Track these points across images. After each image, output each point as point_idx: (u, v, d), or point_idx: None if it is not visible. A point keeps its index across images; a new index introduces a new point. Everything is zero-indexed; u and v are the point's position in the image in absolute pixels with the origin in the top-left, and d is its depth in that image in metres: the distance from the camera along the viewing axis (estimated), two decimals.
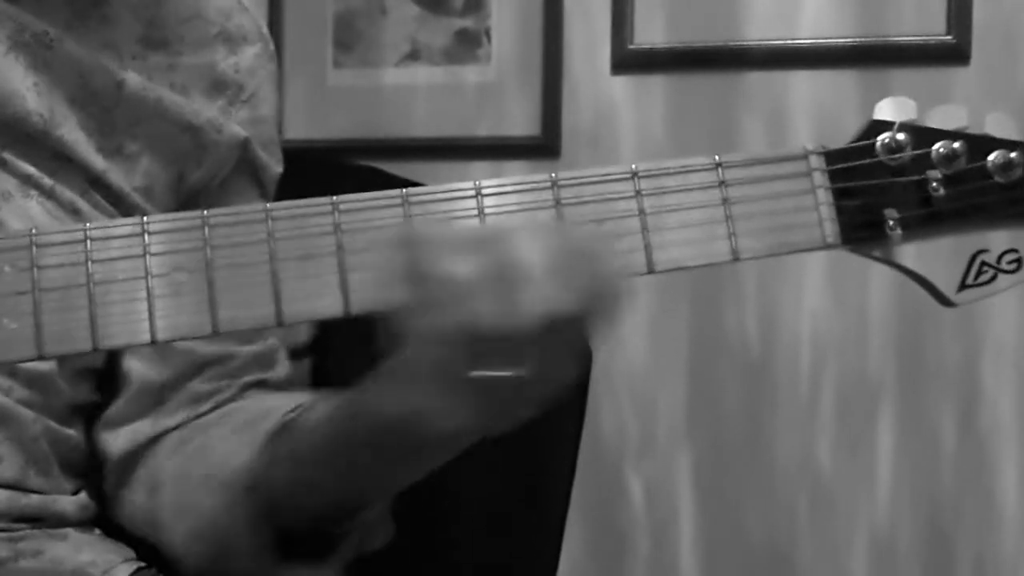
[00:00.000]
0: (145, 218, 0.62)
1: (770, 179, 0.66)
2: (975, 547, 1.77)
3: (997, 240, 0.66)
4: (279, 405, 0.80)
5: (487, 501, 1.15)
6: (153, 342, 0.61)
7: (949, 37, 1.76)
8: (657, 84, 1.86)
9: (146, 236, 0.62)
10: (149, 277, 0.61)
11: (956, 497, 1.78)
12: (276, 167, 0.94)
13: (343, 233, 0.63)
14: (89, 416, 0.88)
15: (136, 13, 0.85)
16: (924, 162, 0.66)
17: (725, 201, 0.65)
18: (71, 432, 0.85)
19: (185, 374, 0.86)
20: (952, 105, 0.67)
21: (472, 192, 0.64)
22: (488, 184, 0.64)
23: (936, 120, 0.67)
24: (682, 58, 1.84)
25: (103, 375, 0.87)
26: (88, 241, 0.62)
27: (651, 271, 0.65)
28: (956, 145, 0.65)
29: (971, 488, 1.77)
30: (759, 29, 1.82)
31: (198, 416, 0.87)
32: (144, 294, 0.61)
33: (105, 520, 0.88)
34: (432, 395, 0.61)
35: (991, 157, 0.66)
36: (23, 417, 0.81)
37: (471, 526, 1.14)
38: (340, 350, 0.94)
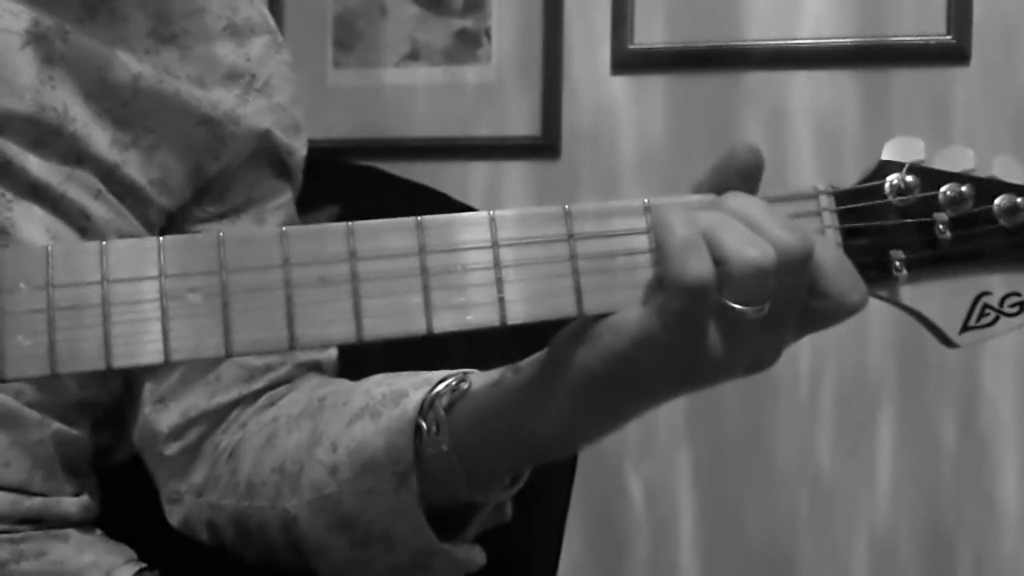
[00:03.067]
0: (161, 238, 0.62)
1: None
2: (975, 547, 1.77)
3: (1000, 283, 0.68)
4: (396, 385, 0.78)
5: None
6: (167, 362, 0.62)
7: (949, 37, 1.76)
8: (657, 84, 1.86)
9: (162, 256, 0.62)
10: (164, 298, 0.61)
11: (956, 497, 1.78)
12: (301, 150, 0.95)
13: (358, 260, 0.63)
14: (95, 415, 0.88)
15: (144, 7, 0.86)
16: (931, 204, 0.67)
17: None
18: (77, 433, 0.85)
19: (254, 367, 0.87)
20: (960, 147, 0.68)
21: (486, 221, 0.65)
22: (502, 214, 0.65)
23: (944, 161, 0.68)
24: (682, 58, 1.84)
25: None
26: (104, 259, 0.61)
27: None
28: (963, 188, 0.66)
29: (971, 488, 1.77)
30: (759, 29, 1.82)
31: (253, 394, 0.87)
32: (159, 314, 0.61)
33: (106, 520, 0.88)
34: (686, 331, 0.63)
35: (998, 201, 0.67)
36: (31, 420, 0.81)
37: None
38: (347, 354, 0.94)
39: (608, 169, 1.87)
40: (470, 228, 0.64)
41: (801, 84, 1.81)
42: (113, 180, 0.83)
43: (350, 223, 0.63)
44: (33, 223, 0.80)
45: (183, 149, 0.86)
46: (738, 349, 0.64)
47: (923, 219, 0.66)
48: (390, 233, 0.63)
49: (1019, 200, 0.66)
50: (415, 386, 0.76)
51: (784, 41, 1.81)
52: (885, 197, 0.67)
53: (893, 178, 0.67)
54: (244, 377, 0.87)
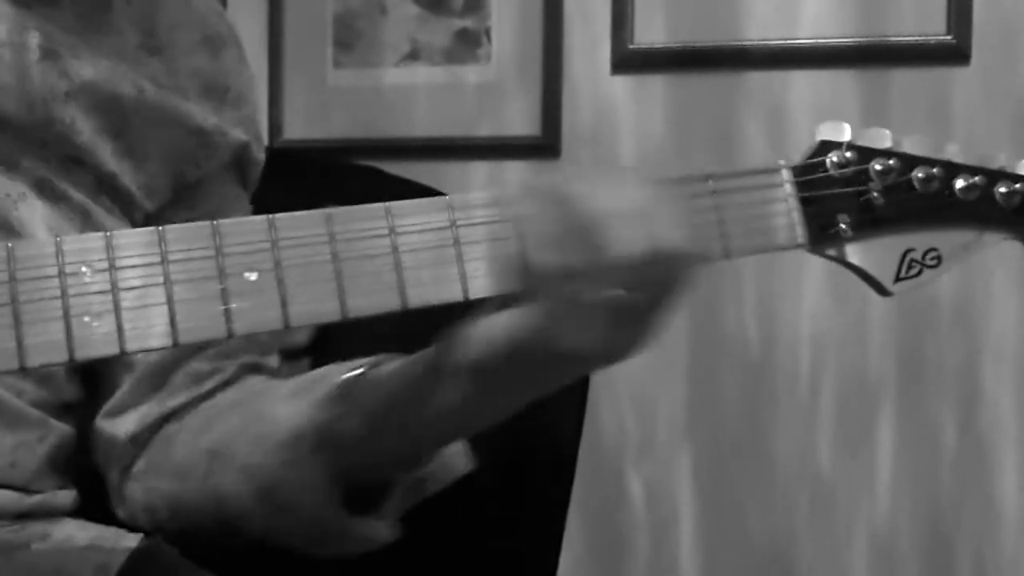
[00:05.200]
0: (161, 227, 0.66)
1: (751, 189, 0.77)
2: (975, 547, 1.77)
3: (921, 240, 0.79)
4: (331, 371, 0.83)
5: (487, 501, 1.15)
6: (175, 345, 0.66)
7: (949, 37, 1.76)
8: (657, 84, 1.86)
9: (163, 244, 0.66)
10: (168, 282, 0.65)
11: (956, 497, 1.78)
12: (262, 162, 0.99)
13: (337, 243, 0.68)
14: (79, 412, 0.90)
15: (134, 21, 0.88)
16: (865, 176, 0.78)
17: (716, 208, 0.75)
18: (69, 429, 0.87)
19: (186, 355, 0.89)
20: (879, 129, 0.80)
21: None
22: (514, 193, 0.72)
23: (868, 140, 0.79)
24: (682, 58, 1.85)
25: (88, 371, 0.89)
26: (110, 248, 0.65)
27: None
28: (891, 162, 0.78)
29: (971, 488, 1.77)
30: (759, 29, 1.82)
31: (203, 395, 0.90)
32: (164, 299, 0.65)
33: (86, 513, 0.90)
34: (561, 318, 0.67)
35: (916, 172, 0.78)
36: (33, 419, 0.84)
37: (471, 526, 1.14)
38: (338, 351, 0.95)
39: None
40: (492, 206, 0.71)
41: (801, 84, 1.81)
42: (111, 186, 0.86)
43: (387, 203, 0.69)
44: (37, 222, 0.82)
45: (168, 157, 0.89)
46: (620, 331, 0.68)
47: (861, 188, 0.78)
48: (423, 212, 0.70)
49: (933, 171, 0.78)
50: (339, 371, 0.81)
51: (784, 41, 1.81)
52: (828, 170, 0.78)
53: (833, 155, 0.78)
54: (193, 382, 0.90)
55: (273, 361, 0.95)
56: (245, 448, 0.82)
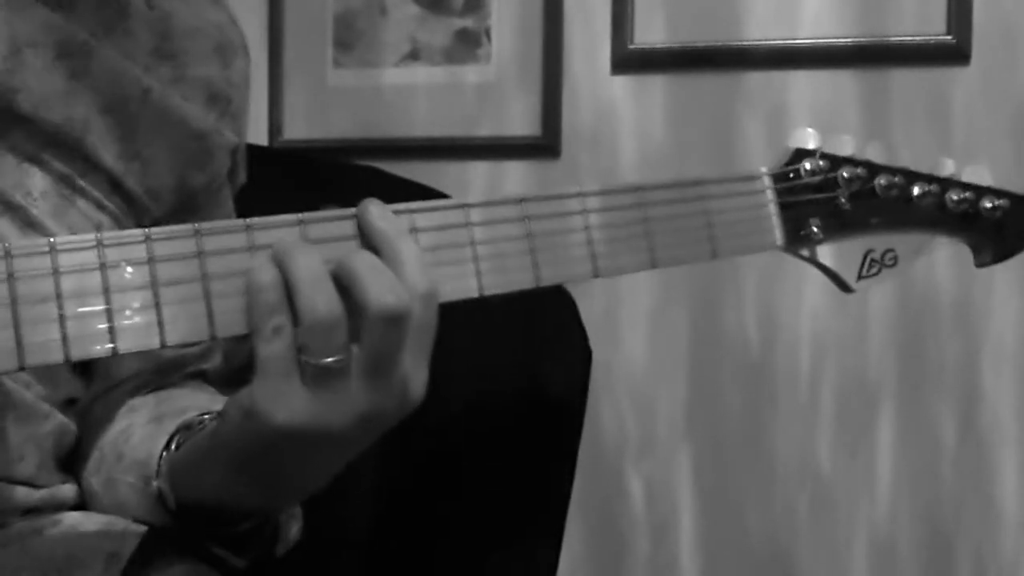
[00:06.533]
0: (197, 224, 0.69)
1: (736, 195, 0.83)
2: (975, 547, 1.77)
3: (881, 242, 0.86)
4: (196, 405, 0.85)
5: (487, 501, 1.15)
6: (212, 339, 0.68)
7: (949, 37, 1.76)
8: (657, 84, 1.86)
9: (200, 240, 0.68)
10: (206, 279, 0.68)
11: (956, 497, 1.78)
12: (244, 177, 0.99)
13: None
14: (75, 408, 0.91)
15: (151, 26, 0.90)
16: (834, 182, 0.85)
17: (705, 212, 0.82)
18: (70, 423, 0.89)
19: (146, 370, 0.92)
20: (845, 136, 0.88)
21: (577, 194, 0.78)
22: (590, 188, 0.79)
23: (832, 147, 0.87)
24: (682, 58, 1.84)
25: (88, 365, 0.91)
26: (150, 244, 0.68)
27: (655, 267, 0.81)
28: (858, 170, 0.86)
29: (971, 488, 1.77)
30: (759, 29, 1.82)
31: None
32: (201, 294, 0.68)
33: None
34: (269, 388, 0.68)
35: (878, 179, 0.86)
36: (41, 413, 0.85)
37: (471, 526, 1.14)
38: None
39: (608, 169, 1.87)
40: (567, 201, 0.77)
41: (801, 84, 1.81)
42: (119, 189, 0.87)
43: (523, 197, 0.75)
44: (59, 221, 0.83)
45: (174, 161, 0.90)
46: (332, 400, 0.68)
47: (831, 194, 0.85)
48: (498, 207, 0.75)
49: (894, 179, 0.86)
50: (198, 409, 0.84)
51: (784, 41, 1.81)
52: (803, 178, 0.85)
53: (807, 163, 0.86)
54: (137, 388, 0.93)
55: (217, 360, 0.97)
56: (117, 462, 0.86)
